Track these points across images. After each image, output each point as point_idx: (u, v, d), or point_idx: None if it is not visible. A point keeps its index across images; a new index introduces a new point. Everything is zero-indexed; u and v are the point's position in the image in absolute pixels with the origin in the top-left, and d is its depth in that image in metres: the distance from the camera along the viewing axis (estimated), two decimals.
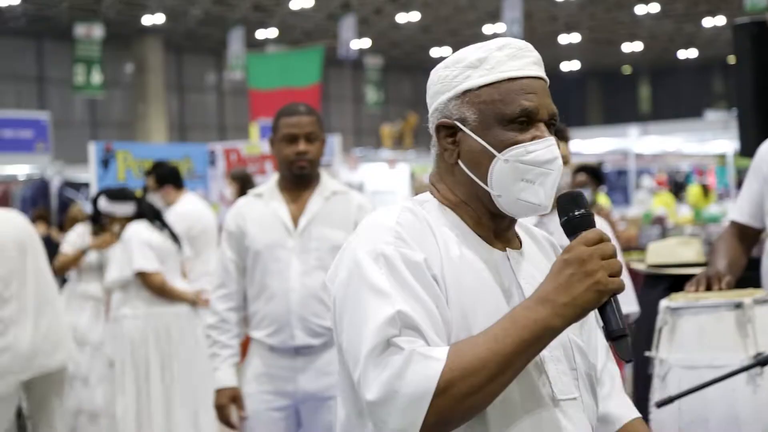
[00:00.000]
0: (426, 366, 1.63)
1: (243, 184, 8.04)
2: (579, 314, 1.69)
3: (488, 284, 1.81)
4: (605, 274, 1.68)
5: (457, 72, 1.87)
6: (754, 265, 3.77)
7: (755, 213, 3.73)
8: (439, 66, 1.91)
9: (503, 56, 1.85)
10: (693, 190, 17.45)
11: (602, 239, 1.71)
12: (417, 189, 21.92)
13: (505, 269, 1.85)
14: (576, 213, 1.78)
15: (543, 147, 1.81)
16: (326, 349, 3.91)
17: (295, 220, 3.96)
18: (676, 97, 37.32)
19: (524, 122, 1.82)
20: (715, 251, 3.71)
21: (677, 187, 18.83)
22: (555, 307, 1.67)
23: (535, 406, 1.77)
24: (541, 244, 1.99)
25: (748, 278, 3.59)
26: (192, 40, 29.91)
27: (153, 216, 6.32)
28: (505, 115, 1.82)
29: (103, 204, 6.44)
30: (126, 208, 6.33)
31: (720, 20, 27.04)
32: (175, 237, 6.31)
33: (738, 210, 3.79)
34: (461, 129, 1.85)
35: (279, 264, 3.91)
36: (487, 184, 1.83)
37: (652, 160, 21.71)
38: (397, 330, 1.66)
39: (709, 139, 21.70)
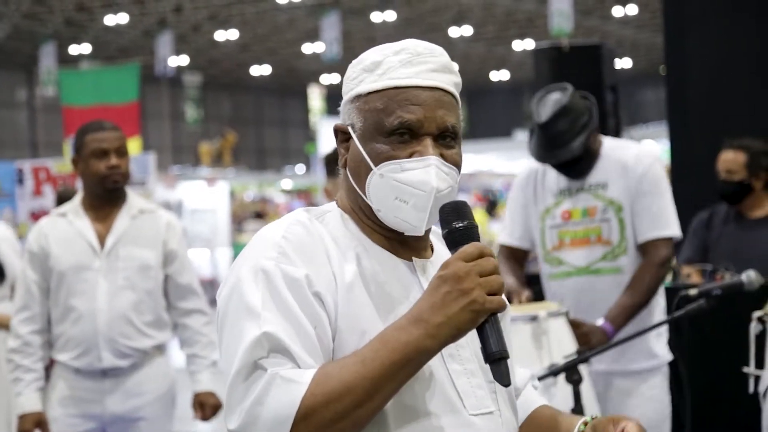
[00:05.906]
0: (287, 391, 1.51)
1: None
2: (454, 335, 1.55)
3: (389, 299, 1.67)
4: (482, 292, 1.54)
5: (355, 74, 1.74)
6: (536, 279, 3.96)
7: (523, 235, 3.91)
8: (353, 62, 1.78)
9: (396, 62, 1.70)
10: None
11: (482, 254, 1.56)
12: (237, 208, 21.80)
13: (411, 281, 1.71)
14: (458, 225, 1.62)
15: (420, 167, 1.67)
16: (134, 370, 3.87)
17: (102, 239, 3.89)
18: (490, 117, 38.49)
19: (405, 135, 1.68)
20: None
21: (491, 205, 19.44)
22: (428, 328, 1.53)
23: (445, 422, 1.64)
24: None
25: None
26: (0, 55, 28.85)
27: None
28: (384, 126, 1.68)
29: None
30: None
31: (528, 44, 28.03)
32: None
33: (508, 233, 3.96)
34: (351, 135, 1.73)
35: (85, 285, 3.83)
36: (366, 197, 1.71)
37: (468, 178, 22.32)
38: (265, 352, 1.54)
39: (518, 157, 22.49)
